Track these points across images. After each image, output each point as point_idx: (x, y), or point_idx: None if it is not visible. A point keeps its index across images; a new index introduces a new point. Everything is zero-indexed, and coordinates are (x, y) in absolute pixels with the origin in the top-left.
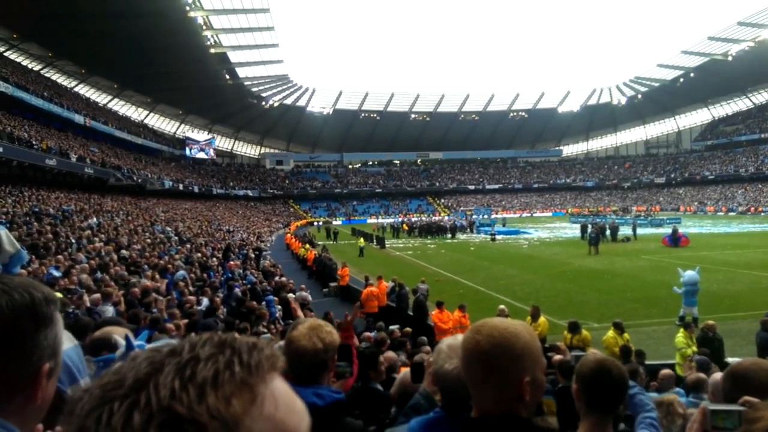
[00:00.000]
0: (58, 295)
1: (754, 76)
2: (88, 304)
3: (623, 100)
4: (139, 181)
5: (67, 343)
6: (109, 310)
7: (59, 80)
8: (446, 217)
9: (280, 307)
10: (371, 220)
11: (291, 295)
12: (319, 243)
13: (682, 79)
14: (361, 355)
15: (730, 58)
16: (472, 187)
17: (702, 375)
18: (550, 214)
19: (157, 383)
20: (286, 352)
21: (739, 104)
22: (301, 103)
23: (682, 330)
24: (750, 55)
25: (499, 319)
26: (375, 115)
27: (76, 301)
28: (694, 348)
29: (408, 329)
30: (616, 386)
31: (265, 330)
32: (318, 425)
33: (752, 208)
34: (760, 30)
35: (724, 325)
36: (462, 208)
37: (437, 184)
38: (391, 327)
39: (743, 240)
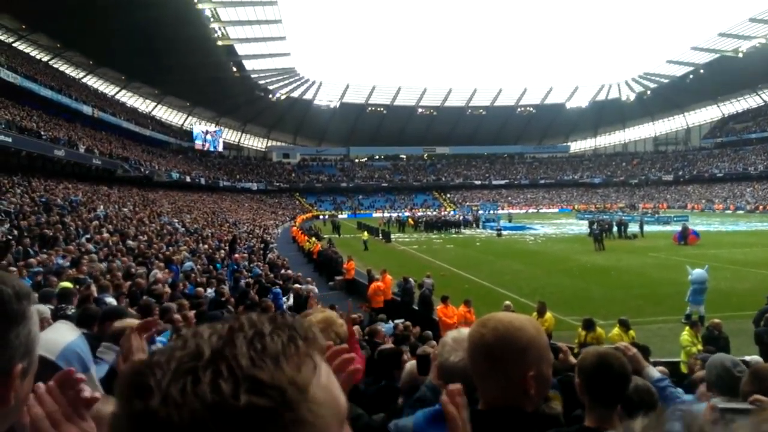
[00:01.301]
0: (68, 284)
1: (765, 73)
2: (96, 295)
3: (632, 96)
4: (147, 172)
5: (73, 333)
6: (111, 302)
7: (67, 71)
8: (452, 212)
9: (285, 299)
10: (377, 214)
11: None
12: (325, 236)
13: (691, 76)
14: (383, 354)
15: (740, 55)
16: (478, 183)
17: None
18: (556, 210)
19: (235, 354)
20: None
21: (750, 101)
22: (308, 96)
23: (687, 328)
24: (761, 51)
25: (505, 313)
26: (382, 109)
27: (83, 291)
28: (700, 346)
29: (408, 323)
30: (618, 380)
31: None
32: None
33: (761, 207)
34: None
35: (731, 323)
36: (468, 204)
37: (443, 179)
38: (396, 321)
39: (751, 238)
